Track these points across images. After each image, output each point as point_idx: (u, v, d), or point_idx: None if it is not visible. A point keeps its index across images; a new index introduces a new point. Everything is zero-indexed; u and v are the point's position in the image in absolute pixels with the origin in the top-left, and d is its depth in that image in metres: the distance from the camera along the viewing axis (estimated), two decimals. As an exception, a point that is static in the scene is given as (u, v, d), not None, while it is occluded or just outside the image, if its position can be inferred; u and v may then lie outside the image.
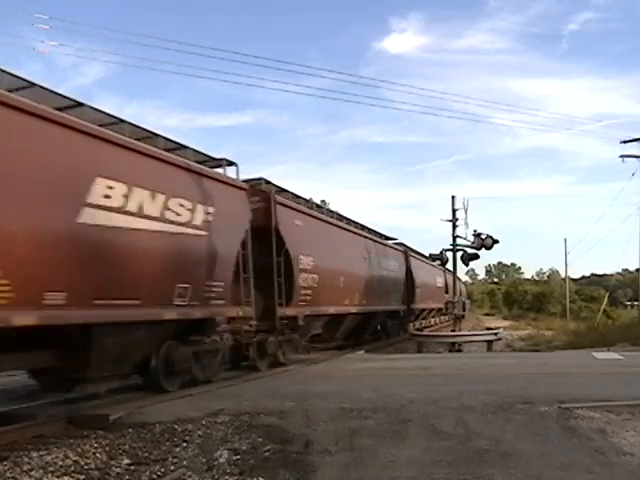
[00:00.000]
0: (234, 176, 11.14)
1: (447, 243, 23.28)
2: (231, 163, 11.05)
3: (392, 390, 8.95)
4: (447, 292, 29.88)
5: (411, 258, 26.53)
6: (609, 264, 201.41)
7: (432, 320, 32.40)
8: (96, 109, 8.44)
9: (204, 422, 6.94)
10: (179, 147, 9.94)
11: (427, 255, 27.93)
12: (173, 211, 8.91)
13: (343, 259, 16.77)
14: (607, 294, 47.44)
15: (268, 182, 13.36)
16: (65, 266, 7.06)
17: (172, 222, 8.86)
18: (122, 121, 8.82)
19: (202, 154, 10.67)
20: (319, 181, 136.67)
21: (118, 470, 5.44)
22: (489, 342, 21.38)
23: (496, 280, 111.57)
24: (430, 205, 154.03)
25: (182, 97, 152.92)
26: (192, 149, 10.41)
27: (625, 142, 26.99)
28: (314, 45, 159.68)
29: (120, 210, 7.86)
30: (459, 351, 20.52)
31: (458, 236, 22.78)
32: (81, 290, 7.21)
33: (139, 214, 8.18)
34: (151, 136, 9.24)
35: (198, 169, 9.97)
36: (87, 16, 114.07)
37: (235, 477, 5.15)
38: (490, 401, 7.72)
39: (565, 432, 6.28)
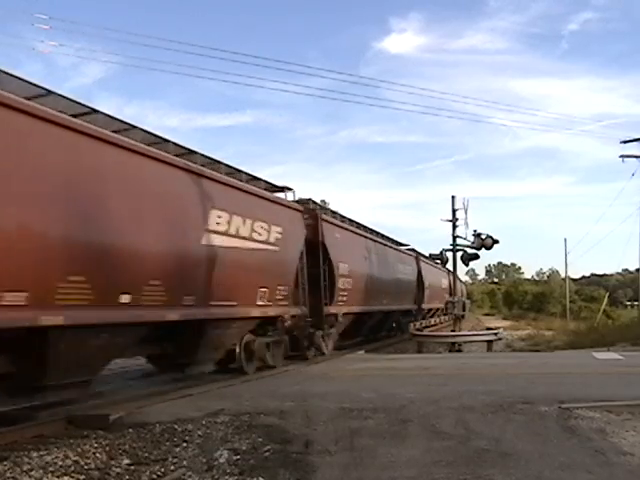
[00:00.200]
0: (290, 198, 13.62)
1: (447, 243, 23.40)
2: (289, 189, 13.61)
3: (392, 390, 8.96)
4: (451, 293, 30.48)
5: (421, 262, 28.63)
6: (609, 264, 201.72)
7: (435, 320, 32.90)
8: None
9: (204, 422, 6.94)
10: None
11: (427, 255, 28.22)
12: (256, 232, 11.18)
13: (370, 265, 19.44)
14: (607, 294, 47.53)
15: (314, 202, 16.08)
16: (194, 277, 9.23)
17: (256, 240, 11.15)
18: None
19: (269, 183, 12.94)
20: (319, 181, 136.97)
21: (118, 470, 5.44)
22: (489, 342, 21.40)
23: (496, 280, 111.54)
24: (430, 205, 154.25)
25: (182, 97, 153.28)
26: (264, 180, 12.65)
27: (625, 142, 27.04)
28: (314, 45, 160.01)
29: (225, 233, 10.08)
30: (459, 351, 20.53)
31: (458, 236, 22.80)
32: (202, 294, 9.37)
33: (236, 235, 10.43)
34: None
35: (271, 197, 12.59)
36: (87, 16, 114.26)
37: (235, 477, 5.15)
38: (490, 401, 7.72)
39: (565, 432, 6.28)
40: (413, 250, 28.63)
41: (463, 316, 23.94)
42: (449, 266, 25.00)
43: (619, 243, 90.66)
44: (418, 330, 23.99)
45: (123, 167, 8.00)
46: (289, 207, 13.24)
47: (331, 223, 16.03)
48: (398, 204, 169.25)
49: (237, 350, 11.08)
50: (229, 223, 10.17)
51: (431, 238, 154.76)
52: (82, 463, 5.61)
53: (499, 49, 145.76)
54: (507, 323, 46.34)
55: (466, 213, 22.39)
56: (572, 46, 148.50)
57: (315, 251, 14.29)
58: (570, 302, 50.38)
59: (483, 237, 22.13)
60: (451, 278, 29.42)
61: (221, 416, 7.22)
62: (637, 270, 38.01)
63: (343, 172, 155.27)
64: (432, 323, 30.05)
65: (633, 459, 5.32)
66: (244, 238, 10.66)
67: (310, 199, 15.59)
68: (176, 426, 6.77)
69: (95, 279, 7.14)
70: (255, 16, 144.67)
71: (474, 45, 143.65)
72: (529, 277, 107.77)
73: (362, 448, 5.81)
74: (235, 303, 10.31)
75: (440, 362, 14.34)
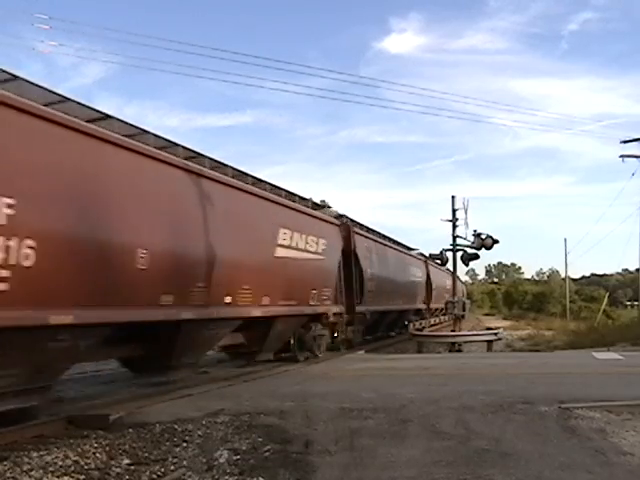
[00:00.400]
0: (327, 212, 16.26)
1: (447, 243, 23.36)
2: (329, 206, 16.88)
3: (392, 390, 8.96)
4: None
5: (430, 266, 30.97)
6: (609, 264, 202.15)
7: (435, 319, 33.09)
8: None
9: (204, 422, 6.94)
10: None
11: (427, 255, 28.28)
12: (309, 244, 13.59)
13: (389, 269, 21.95)
14: (607, 294, 47.53)
15: (346, 217, 18.28)
16: (269, 283, 11.43)
17: (308, 251, 13.54)
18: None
19: (313, 202, 15.66)
20: (319, 181, 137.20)
21: (118, 470, 5.43)
22: (489, 342, 21.38)
23: (496, 280, 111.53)
24: (430, 205, 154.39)
25: (182, 97, 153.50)
26: (312, 201, 15.40)
27: (625, 142, 27.05)
28: (314, 45, 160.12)
29: (288, 246, 12.40)
30: (459, 351, 20.52)
31: (458, 236, 22.79)
32: (274, 296, 11.62)
33: (295, 248, 12.75)
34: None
35: (319, 215, 15.03)
36: (87, 16, 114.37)
37: (235, 477, 5.15)
38: (490, 401, 7.72)
39: (565, 432, 6.28)
40: (422, 254, 30.64)
41: (463, 316, 23.89)
42: (449, 266, 24.99)
43: (619, 243, 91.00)
44: (418, 330, 24.00)
45: (232, 203, 10.51)
46: (330, 222, 15.85)
47: (360, 234, 18.78)
48: (398, 204, 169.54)
49: (292, 341, 13.65)
50: (291, 238, 12.57)
51: (431, 238, 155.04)
52: (82, 463, 5.60)
53: (499, 49, 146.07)
54: (507, 323, 46.27)
55: (466, 213, 22.40)
56: (572, 46, 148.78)
57: (348, 259, 16.84)
58: (570, 302, 50.39)
59: (483, 237, 22.11)
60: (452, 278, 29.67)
61: (221, 416, 7.22)
62: (637, 270, 38.07)
63: (343, 172, 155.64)
64: (432, 323, 30.87)
65: (633, 459, 5.32)
66: (301, 250, 13.11)
67: (344, 215, 18.15)
68: (176, 426, 6.77)
69: (211, 286, 9.39)
70: (255, 16, 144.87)
71: (474, 45, 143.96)
72: (529, 277, 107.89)
73: (362, 448, 5.81)
74: (295, 302, 12.68)
75: (440, 362, 14.34)
